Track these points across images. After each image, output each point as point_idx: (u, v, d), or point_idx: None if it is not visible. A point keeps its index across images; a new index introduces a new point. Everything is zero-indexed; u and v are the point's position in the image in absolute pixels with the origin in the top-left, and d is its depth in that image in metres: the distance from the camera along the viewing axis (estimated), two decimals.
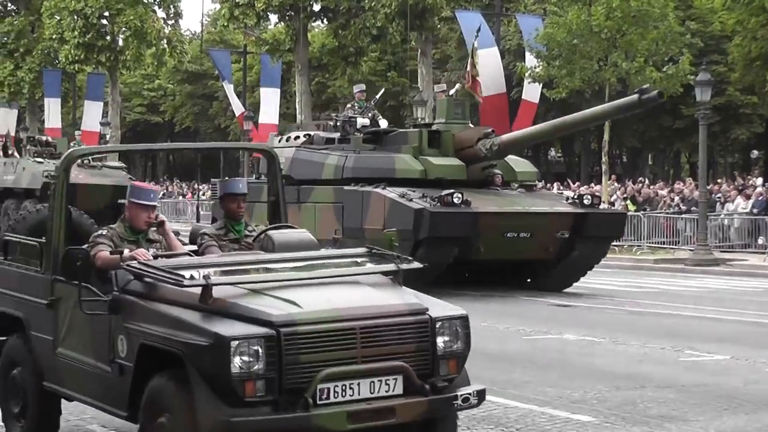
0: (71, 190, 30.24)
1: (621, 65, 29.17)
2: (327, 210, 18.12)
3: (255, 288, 5.78)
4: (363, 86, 22.88)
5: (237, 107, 42.92)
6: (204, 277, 5.65)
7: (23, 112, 56.55)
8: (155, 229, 6.86)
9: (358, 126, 19.60)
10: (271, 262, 6.24)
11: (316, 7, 39.67)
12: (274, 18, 44.85)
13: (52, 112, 48.92)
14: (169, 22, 48.04)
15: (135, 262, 6.14)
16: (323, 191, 18.48)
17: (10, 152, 33.82)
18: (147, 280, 5.99)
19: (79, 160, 32.01)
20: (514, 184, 18.77)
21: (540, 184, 20.03)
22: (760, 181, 33.52)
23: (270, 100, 41.35)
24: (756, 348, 12.04)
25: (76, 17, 44.98)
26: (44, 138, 34.07)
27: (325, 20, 41.73)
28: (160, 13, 47.56)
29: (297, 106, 39.59)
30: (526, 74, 32.42)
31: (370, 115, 20.48)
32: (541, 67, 31.46)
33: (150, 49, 46.91)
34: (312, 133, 20.15)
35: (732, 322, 14.59)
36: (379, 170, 17.97)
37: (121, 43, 46.62)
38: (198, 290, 5.62)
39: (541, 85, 33.31)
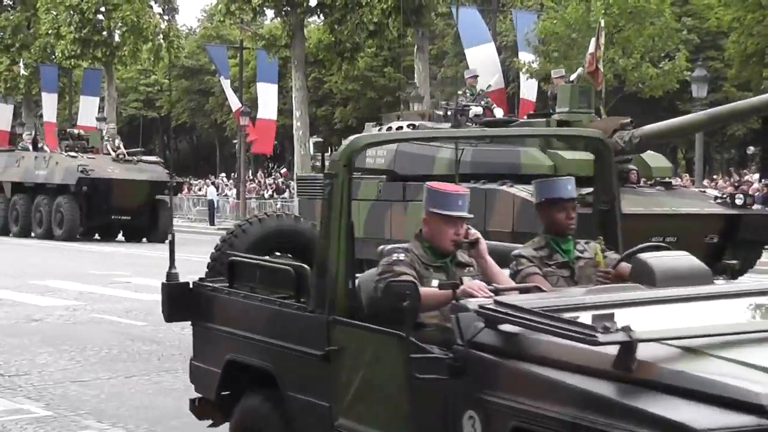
0: (105, 187, 29.53)
1: (618, 61, 29.19)
2: None
3: (690, 346, 3.77)
4: (476, 71, 20.42)
5: (234, 103, 42.90)
6: (623, 328, 3.66)
7: (19, 108, 56.48)
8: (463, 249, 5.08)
9: (471, 115, 17.54)
10: (668, 302, 4.32)
11: (313, 3, 39.65)
12: (270, 13, 44.80)
13: (49, 107, 48.80)
14: (166, 18, 48.03)
15: (486, 300, 4.31)
16: None
17: (40, 146, 32.99)
18: (511, 329, 4.09)
19: (113, 154, 31.45)
20: (648, 180, 16.82)
21: (676, 181, 18.05)
22: (756, 177, 33.59)
23: (268, 96, 41.36)
24: None
25: (72, 12, 44.90)
26: (76, 131, 33.05)
27: (321, 15, 41.71)
28: (156, 9, 47.56)
29: (293, 102, 39.53)
30: (523, 70, 32.44)
31: (483, 102, 18.28)
32: (537, 63, 31.47)
33: (146, 44, 46.87)
34: (417, 122, 18.02)
35: None
36: (502, 165, 15.94)
37: (117, 38, 46.55)
38: (608, 349, 3.69)
39: (537, 81, 33.32)
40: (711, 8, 44.09)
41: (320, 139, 63.36)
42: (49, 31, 46.44)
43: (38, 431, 7.32)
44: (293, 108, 39.53)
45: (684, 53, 30.63)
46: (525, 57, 32.31)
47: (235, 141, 50.86)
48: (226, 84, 43.32)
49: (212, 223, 40.43)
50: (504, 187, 15.20)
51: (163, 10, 47.95)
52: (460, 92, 19.33)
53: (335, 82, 52.30)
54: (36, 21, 50.05)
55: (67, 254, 24.57)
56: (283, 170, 55.46)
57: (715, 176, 39.11)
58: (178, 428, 7.39)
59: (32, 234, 30.37)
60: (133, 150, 33.70)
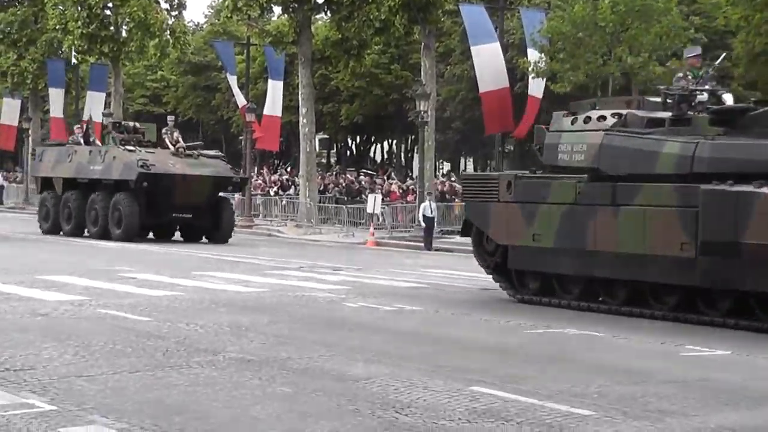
0: (167, 183, 27.44)
1: (626, 60, 29.16)
2: (667, 216, 13.62)
3: None
4: (699, 49, 17.01)
5: (240, 99, 42.96)
6: None
7: (26, 103, 56.57)
8: None
9: (695, 102, 14.71)
10: None
11: None
12: (277, 10, 44.81)
13: (56, 102, 48.83)
14: (173, 13, 48.02)
15: None
16: (659, 190, 13.86)
17: (92, 140, 31.13)
18: None
19: (172, 148, 28.28)
20: None
21: None
22: None
23: (274, 92, 41.39)
24: (756, 343, 12.06)
25: (79, 8, 44.95)
26: (131, 124, 31.50)
27: (328, 12, 41.71)
28: (164, 4, 47.55)
29: (300, 99, 39.55)
30: (530, 69, 32.39)
31: (708, 87, 15.12)
32: (544, 62, 31.45)
33: (153, 40, 46.88)
34: (624, 111, 14.97)
35: None
36: (752, 162, 13.15)
37: (124, 34, 46.59)
38: None
39: (544, 79, 33.29)
40: (719, 7, 44.00)
41: (326, 136, 63.54)
42: (57, 27, 46.48)
43: (43, 425, 7.32)
44: (299, 105, 39.53)
45: None
46: (532, 56, 32.29)
47: (241, 137, 50.86)
48: (232, 80, 43.36)
49: None
50: (764, 189, 12.66)
51: (170, 5, 47.92)
52: (680, 74, 15.97)
53: (342, 79, 52.25)
54: (43, 16, 50.12)
55: (78, 250, 24.60)
56: (290, 167, 55.45)
57: None
58: (182, 423, 7.39)
59: (86, 233, 28.56)
60: (192, 144, 31.61)
